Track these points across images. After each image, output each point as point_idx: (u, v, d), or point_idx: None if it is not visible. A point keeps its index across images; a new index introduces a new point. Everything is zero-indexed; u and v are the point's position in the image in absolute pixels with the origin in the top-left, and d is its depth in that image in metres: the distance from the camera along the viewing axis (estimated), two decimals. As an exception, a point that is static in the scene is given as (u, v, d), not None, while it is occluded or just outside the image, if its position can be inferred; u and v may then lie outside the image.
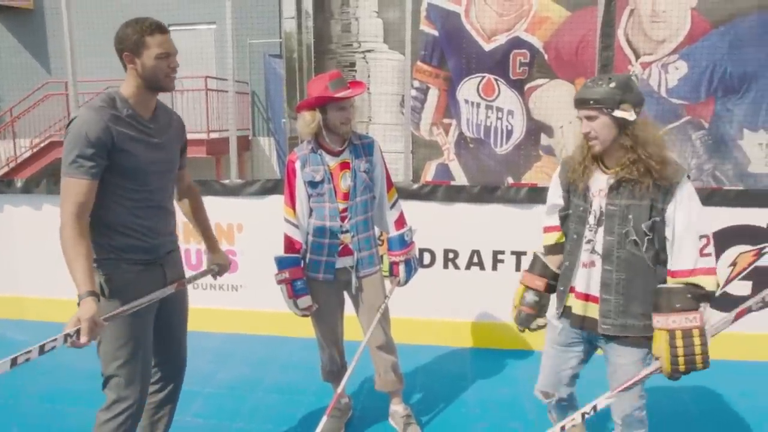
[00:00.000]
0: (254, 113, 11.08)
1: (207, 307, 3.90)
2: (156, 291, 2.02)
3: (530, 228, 2.92)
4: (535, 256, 2.11)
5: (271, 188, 3.75)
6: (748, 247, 3.29)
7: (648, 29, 4.68)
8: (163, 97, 2.08)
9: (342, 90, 2.36)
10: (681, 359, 1.65)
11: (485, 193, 3.58)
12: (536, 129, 4.92)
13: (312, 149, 2.48)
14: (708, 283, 1.71)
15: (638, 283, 1.80)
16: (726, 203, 3.26)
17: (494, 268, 3.52)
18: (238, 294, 3.90)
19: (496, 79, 4.77)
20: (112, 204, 1.90)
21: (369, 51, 5.10)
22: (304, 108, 2.43)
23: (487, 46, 4.87)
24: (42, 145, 10.14)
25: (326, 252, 2.49)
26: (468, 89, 4.78)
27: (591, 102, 1.79)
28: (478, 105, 4.86)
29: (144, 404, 2.05)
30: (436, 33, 4.95)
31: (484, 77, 4.72)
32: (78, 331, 1.66)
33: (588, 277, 1.89)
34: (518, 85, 4.81)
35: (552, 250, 2.07)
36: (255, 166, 11.06)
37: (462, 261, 3.60)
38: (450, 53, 4.96)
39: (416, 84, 5.07)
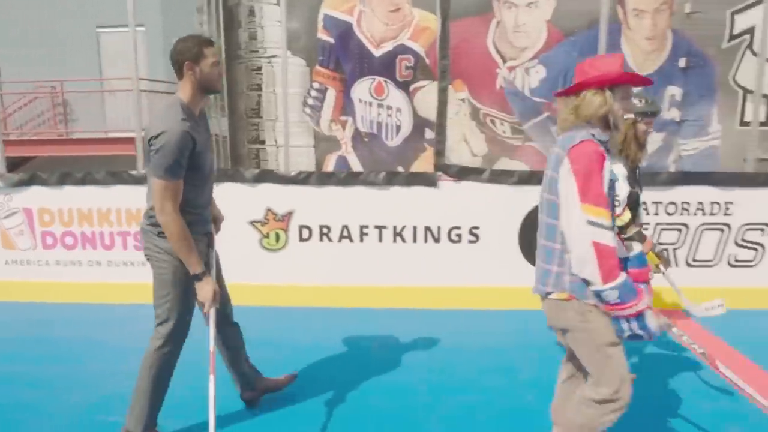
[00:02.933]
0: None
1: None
2: (203, 254, 2.50)
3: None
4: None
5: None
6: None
7: (512, 38, 5.39)
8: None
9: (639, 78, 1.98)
10: None
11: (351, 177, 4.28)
12: (421, 124, 5.58)
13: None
14: None
15: None
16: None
17: (361, 240, 4.21)
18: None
19: (385, 81, 5.36)
20: (184, 190, 2.33)
21: (273, 56, 5.67)
22: (593, 85, 1.86)
23: (377, 52, 5.50)
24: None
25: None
26: (361, 90, 5.34)
27: (657, 114, 2.87)
28: (371, 104, 5.42)
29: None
30: (332, 40, 5.55)
31: (375, 79, 5.31)
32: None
33: None
34: (405, 86, 5.42)
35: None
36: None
37: (335, 234, 4.29)
38: (344, 58, 5.55)
39: (316, 85, 5.68)
